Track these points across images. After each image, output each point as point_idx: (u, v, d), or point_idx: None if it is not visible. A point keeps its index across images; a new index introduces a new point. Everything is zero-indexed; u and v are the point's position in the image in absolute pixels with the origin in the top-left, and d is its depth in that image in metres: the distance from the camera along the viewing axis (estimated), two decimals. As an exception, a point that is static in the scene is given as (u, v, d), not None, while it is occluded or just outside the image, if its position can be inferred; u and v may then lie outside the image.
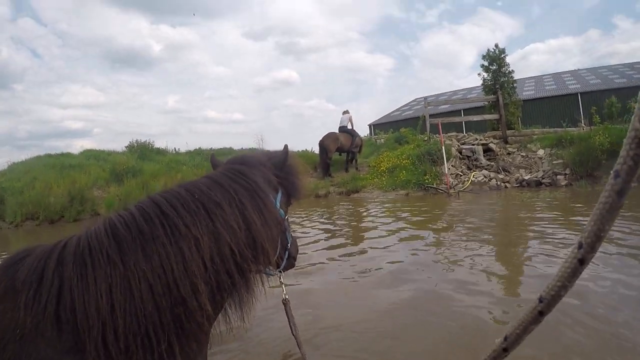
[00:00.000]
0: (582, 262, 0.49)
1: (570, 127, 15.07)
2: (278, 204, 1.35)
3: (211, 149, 17.73)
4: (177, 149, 18.11)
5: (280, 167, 1.45)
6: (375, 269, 4.26)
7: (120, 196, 12.29)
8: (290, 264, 1.57)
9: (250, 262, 1.11)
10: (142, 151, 16.16)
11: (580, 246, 0.49)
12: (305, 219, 8.13)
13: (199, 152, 17.48)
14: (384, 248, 5.21)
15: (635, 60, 37.81)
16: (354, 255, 4.98)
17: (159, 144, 18.05)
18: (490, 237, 5.41)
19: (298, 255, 1.70)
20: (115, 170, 13.68)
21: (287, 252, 1.49)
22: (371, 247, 5.31)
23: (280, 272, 1.54)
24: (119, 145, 44.40)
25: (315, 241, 5.98)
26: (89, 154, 16.80)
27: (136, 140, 17.13)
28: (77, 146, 59.35)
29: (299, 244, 1.77)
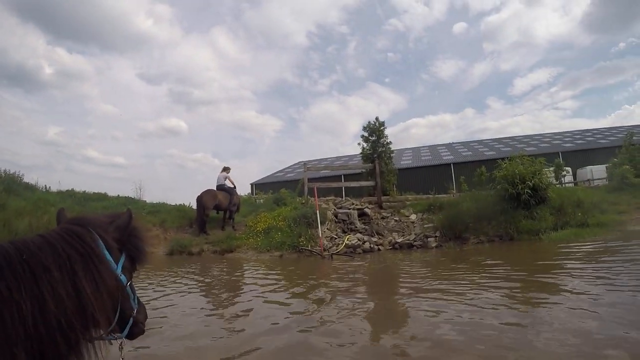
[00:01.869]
0: None
1: (440, 194, 16.03)
2: (120, 270, 1.24)
3: (84, 192, 15.65)
4: (48, 187, 15.46)
5: (123, 230, 1.31)
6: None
7: (-25, 234, 10.20)
8: (139, 330, 1.40)
9: (78, 332, 1.00)
10: (9, 183, 13.52)
11: None
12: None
13: (71, 193, 15.20)
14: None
15: (503, 136, 44.86)
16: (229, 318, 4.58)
17: (30, 178, 15.22)
18: (361, 294, 5.50)
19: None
20: (-26, 202, 11.05)
21: (131, 319, 1.32)
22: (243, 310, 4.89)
23: (122, 339, 1.34)
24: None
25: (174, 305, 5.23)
26: (-55, 179, 13.76)
27: (4, 171, 14.39)
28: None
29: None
